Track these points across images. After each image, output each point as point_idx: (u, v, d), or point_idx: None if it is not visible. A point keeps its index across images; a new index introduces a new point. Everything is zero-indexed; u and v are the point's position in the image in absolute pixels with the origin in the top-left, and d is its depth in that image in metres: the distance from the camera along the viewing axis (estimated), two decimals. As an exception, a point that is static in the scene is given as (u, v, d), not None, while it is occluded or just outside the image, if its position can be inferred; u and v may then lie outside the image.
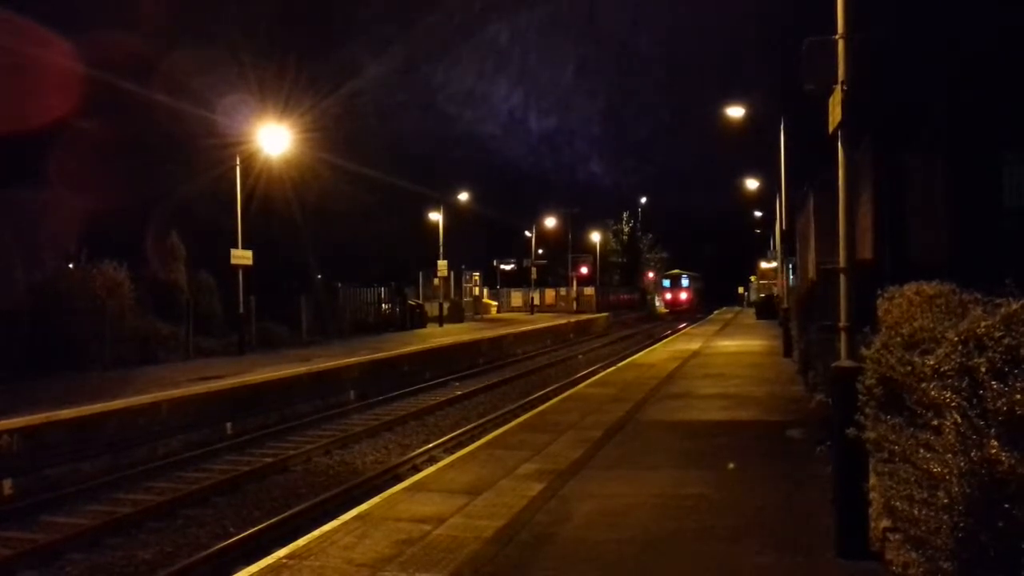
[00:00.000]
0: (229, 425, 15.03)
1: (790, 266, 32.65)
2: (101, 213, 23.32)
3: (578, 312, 56.31)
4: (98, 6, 28.92)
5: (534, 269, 57.98)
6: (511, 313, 55.85)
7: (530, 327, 37.00)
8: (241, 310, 22.94)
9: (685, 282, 79.16)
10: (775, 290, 43.14)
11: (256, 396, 16.11)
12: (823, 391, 8.45)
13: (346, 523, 6.81)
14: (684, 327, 44.41)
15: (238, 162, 23.02)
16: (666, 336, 36.93)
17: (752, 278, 72.69)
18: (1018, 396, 3.03)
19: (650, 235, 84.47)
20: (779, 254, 31.63)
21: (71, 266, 21.50)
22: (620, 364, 21.61)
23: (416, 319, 36.27)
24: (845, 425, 5.09)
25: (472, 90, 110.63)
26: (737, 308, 69.94)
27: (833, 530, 5.70)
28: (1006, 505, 3.02)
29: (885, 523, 5.10)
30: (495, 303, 56.31)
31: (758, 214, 60.04)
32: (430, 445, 13.43)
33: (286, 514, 9.53)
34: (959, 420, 3.35)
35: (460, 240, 47.20)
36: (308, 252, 31.68)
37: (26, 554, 8.44)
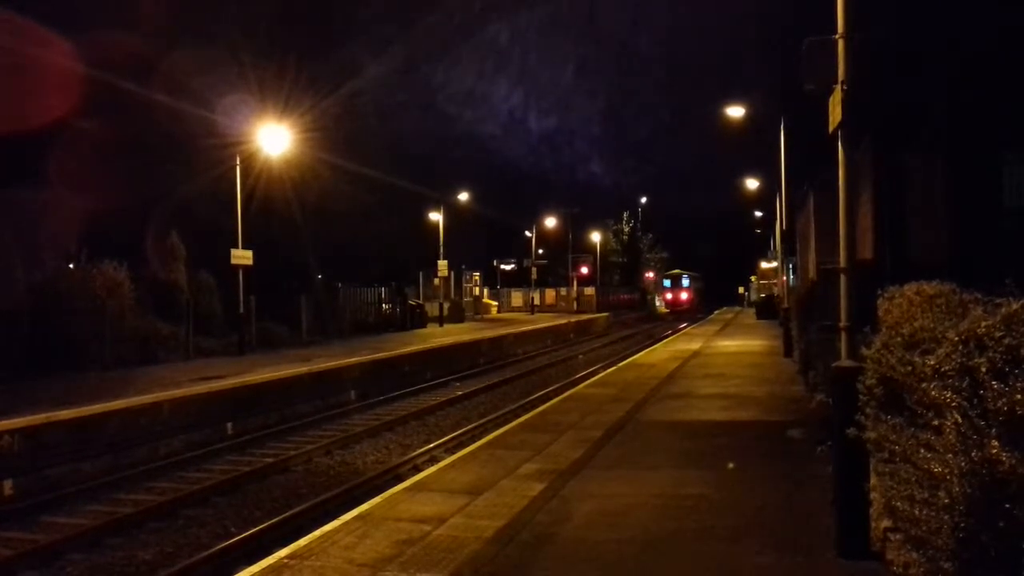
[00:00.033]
0: (230, 425, 15.04)
1: (790, 266, 32.63)
2: (101, 213, 23.33)
3: (578, 312, 56.29)
4: (98, 6, 28.95)
5: (534, 269, 57.96)
6: (511, 313, 55.84)
7: (530, 327, 36.99)
8: (241, 310, 22.95)
9: (685, 282, 79.09)
10: (775, 290, 43.19)
11: (257, 396, 16.12)
12: (823, 391, 8.45)
13: (347, 523, 6.81)
14: (684, 327, 44.41)
15: (238, 162, 23.02)
16: (666, 336, 36.92)
17: (752, 278, 72.75)
18: (1018, 396, 3.03)
19: (650, 235, 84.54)
20: (779, 254, 31.65)
21: (71, 266, 21.50)
22: (620, 364, 21.61)
23: (416, 319, 36.25)
24: (845, 425, 5.09)
25: (472, 90, 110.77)
26: (737, 308, 69.93)
27: (834, 530, 5.70)
28: (1007, 505, 3.03)
29: (886, 523, 5.10)
30: (495, 303, 56.32)
31: (758, 214, 60.10)
32: (431, 445, 13.44)
33: (287, 514, 9.54)
34: (960, 420, 3.35)
35: (460, 240, 47.24)
36: (308, 252, 31.70)
37: (26, 554, 8.44)
